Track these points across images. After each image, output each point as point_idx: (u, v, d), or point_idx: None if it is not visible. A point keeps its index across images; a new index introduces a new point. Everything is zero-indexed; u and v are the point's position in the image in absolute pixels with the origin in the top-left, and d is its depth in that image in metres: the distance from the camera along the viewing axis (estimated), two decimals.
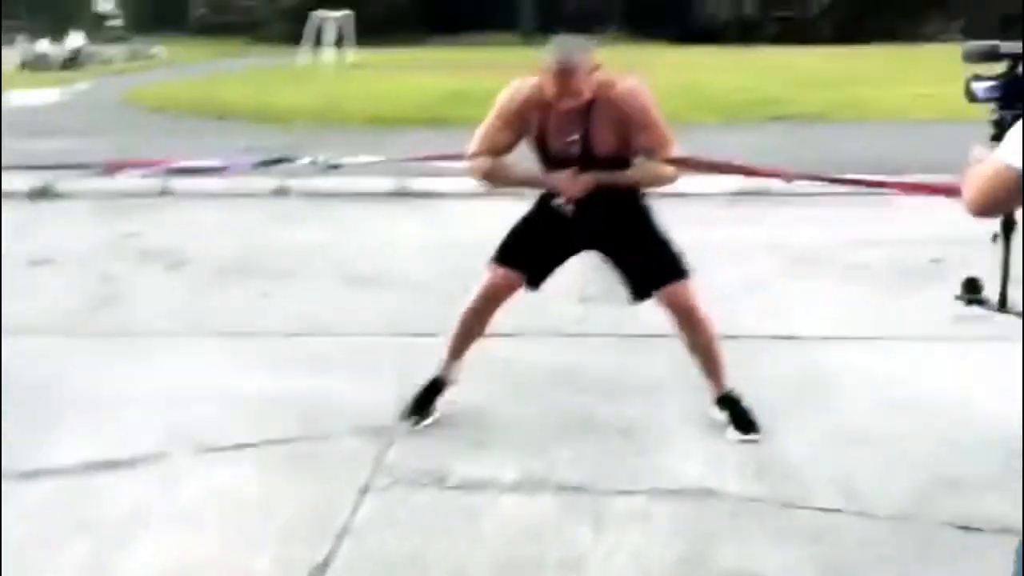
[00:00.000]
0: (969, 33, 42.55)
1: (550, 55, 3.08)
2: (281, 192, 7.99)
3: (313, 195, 7.99)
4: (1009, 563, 2.46)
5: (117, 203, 7.58)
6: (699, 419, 3.55)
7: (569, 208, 3.29)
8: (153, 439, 3.42)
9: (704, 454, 3.30)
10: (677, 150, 3.28)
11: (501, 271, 3.43)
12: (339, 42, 27.11)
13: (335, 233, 6.84)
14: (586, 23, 46.23)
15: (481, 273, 3.48)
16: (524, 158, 3.41)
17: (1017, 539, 2.49)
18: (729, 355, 4.20)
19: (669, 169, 3.28)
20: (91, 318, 4.89)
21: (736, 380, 3.86)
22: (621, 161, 3.29)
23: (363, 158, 4.05)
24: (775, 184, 7.66)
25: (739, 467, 3.20)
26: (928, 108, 12.63)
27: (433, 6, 47.41)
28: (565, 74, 3.04)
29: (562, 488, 3.08)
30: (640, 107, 3.20)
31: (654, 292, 3.40)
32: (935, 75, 17.46)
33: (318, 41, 27.18)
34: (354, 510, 2.95)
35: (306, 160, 3.76)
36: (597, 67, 3.14)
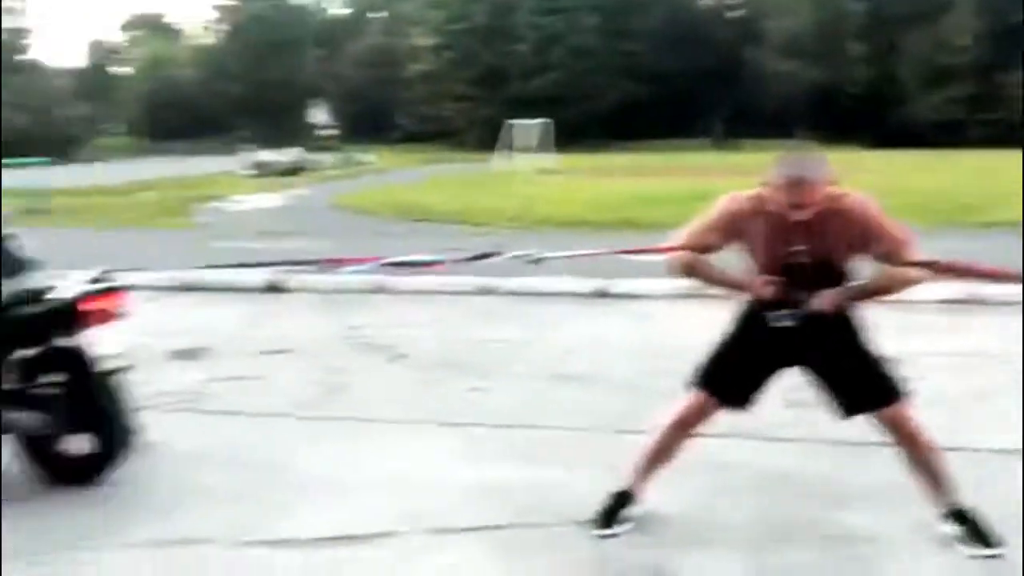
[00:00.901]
0: None
1: (783, 168, 3.13)
2: (485, 291, 8.35)
3: (515, 294, 8.31)
4: None
5: (339, 298, 8.16)
6: (924, 530, 3.44)
7: (787, 324, 3.26)
8: (385, 518, 3.64)
9: (936, 570, 3.19)
10: (918, 254, 3.24)
11: (699, 397, 3.45)
12: (534, 148, 28.18)
13: (538, 331, 7.07)
14: (779, 129, 45.99)
15: (685, 376, 3.52)
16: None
17: None
18: (956, 469, 4.07)
19: (914, 271, 3.23)
20: (323, 404, 5.27)
21: (965, 494, 3.74)
22: (843, 273, 3.28)
23: (566, 252, 4.23)
24: (990, 292, 7.38)
25: None
26: None
27: (626, 113, 48.55)
28: (798, 186, 3.09)
29: None
30: (873, 215, 3.19)
31: (868, 413, 3.35)
32: None
33: (512, 147, 28.36)
34: None
35: (514, 254, 3.98)
36: (833, 180, 3.17)
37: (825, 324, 3.29)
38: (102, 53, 74.21)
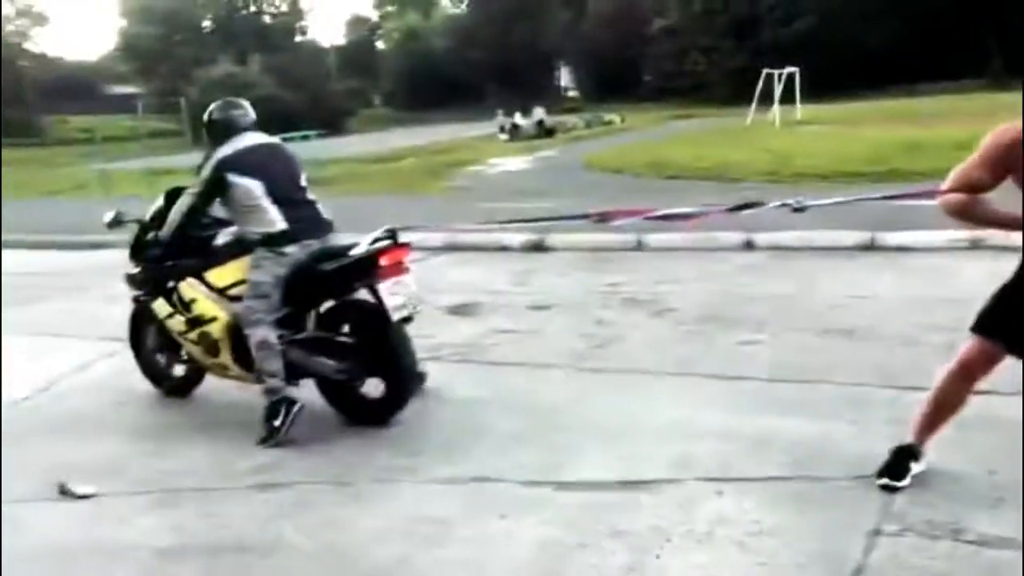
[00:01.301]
0: None
1: None
2: (748, 246, 8.21)
3: (778, 248, 8.11)
4: None
5: (600, 256, 8.33)
6: None
7: None
8: (665, 466, 3.74)
9: None
10: None
11: (980, 343, 3.28)
12: (785, 99, 27.08)
13: (803, 285, 6.88)
14: None
15: (963, 330, 3.34)
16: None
17: None
18: None
19: None
20: (594, 355, 5.44)
21: None
22: None
23: (829, 199, 4.08)
24: None
25: None
26: None
27: (889, 57, 45.44)
28: None
29: None
30: None
31: None
32: None
33: (765, 99, 27.39)
34: (866, 552, 3.00)
35: (777, 203, 3.88)
36: None
37: None
38: (361, 29, 78.67)
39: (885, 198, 4.26)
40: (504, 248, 9.03)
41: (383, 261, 4.36)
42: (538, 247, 8.94)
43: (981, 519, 3.15)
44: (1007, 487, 3.37)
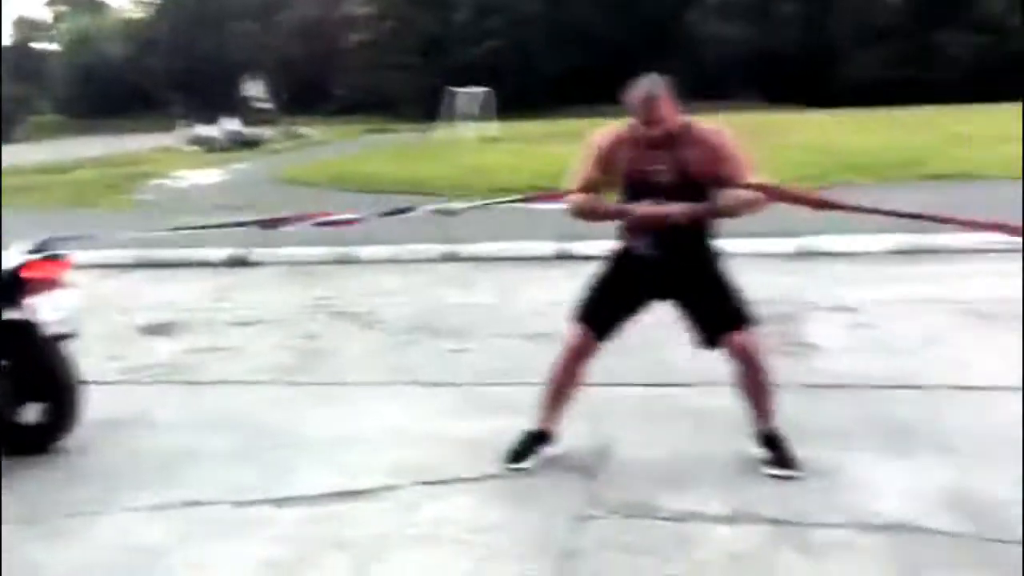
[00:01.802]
0: None
1: (634, 91, 3.43)
2: (449, 257, 8.47)
3: (480, 259, 8.45)
4: None
5: (304, 269, 8.23)
6: (892, 462, 3.69)
7: (652, 253, 3.55)
8: (383, 473, 3.79)
9: (900, 494, 3.44)
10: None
11: (580, 329, 3.72)
12: (476, 116, 28.12)
13: (506, 294, 7.23)
14: (717, 89, 46.34)
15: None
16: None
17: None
18: (913, 405, 4.35)
19: (755, 195, 3.51)
20: (305, 369, 5.37)
21: (923, 428, 4.02)
22: (702, 194, 3.52)
23: (478, 202, 4.51)
24: (941, 240, 7.72)
25: (936, 505, 3.33)
26: None
27: (569, 80, 48.43)
28: (649, 102, 3.40)
29: (767, 520, 3.27)
30: (724, 139, 3.52)
31: (721, 337, 3.61)
32: None
33: (454, 116, 28.27)
34: (574, 535, 3.22)
35: (429, 208, 4.25)
36: (677, 103, 3.45)
37: (685, 259, 3.59)
38: (27, 30, 71.96)
39: (520, 200, 4.77)
40: (205, 264, 8.67)
41: (32, 276, 4.03)
42: (242, 262, 8.68)
43: (670, 497, 3.49)
44: (689, 467, 3.76)
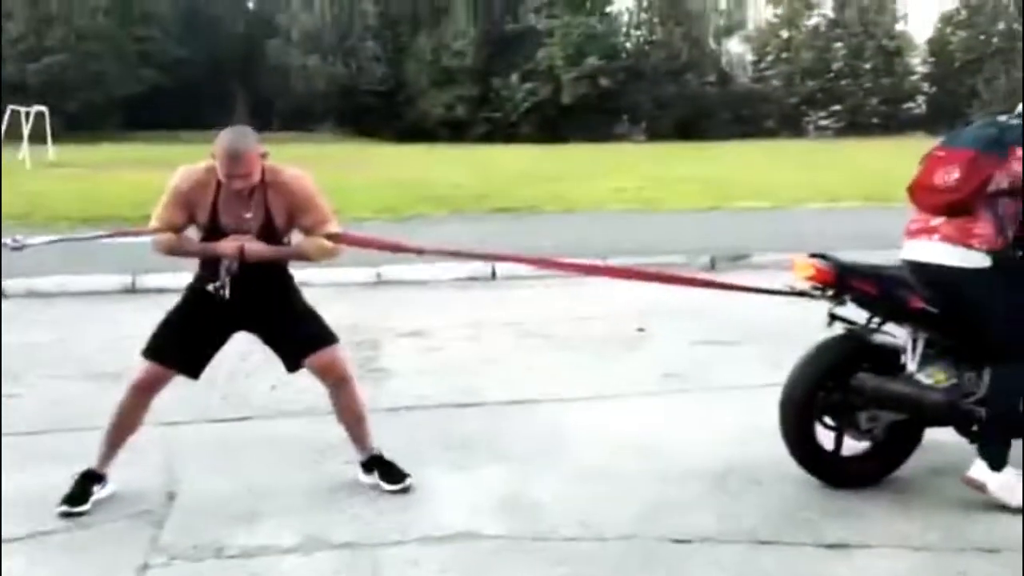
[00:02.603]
0: (651, 135, 47.46)
1: (221, 142, 3.45)
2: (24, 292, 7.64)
3: (34, 294, 7.72)
4: (710, 566, 3.08)
5: None
6: (456, 476, 3.95)
7: (225, 290, 3.59)
8: None
9: (464, 504, 3.68)
10: (338, 229, 3.73)
11: (148, 366, 3.68)
12: (35, 139, 25.58)
13: (65, 331, 6.66)
14: (300, 121, 46.66)
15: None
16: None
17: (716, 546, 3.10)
18: (476, 421, 4.70)
19: (331, 244, 3.69)
20: None
21: (484, 441, 4.36)
22: (283, 239, 3.67)
23: (49, 238, 4.17)
24: (502, 268, 8.43)
25: (494, 511, 3.61)
26: (621, 200, 14.18)
27: (142, 102, 45.81)
28: (235, 158, 3.40)
29: (339, 545, 3.33)
30: (307, 190, 3.63)
31: (306, 359, 3.75)
32: (627, 171, 19.55)
33: (13, 138, 25.52)
34: None
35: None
36: (265, 154, 3.54)
37: (260, 289, 3.66)
38: None
39: (106, 236, 4.56)
40: None
41: None
42: None
43: (240, 533, 3.42)
44: (262, 500, 3.72)
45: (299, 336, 3.72)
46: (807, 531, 3.42)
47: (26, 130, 25.09)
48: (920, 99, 55.94)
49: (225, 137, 3.45)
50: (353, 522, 3.52)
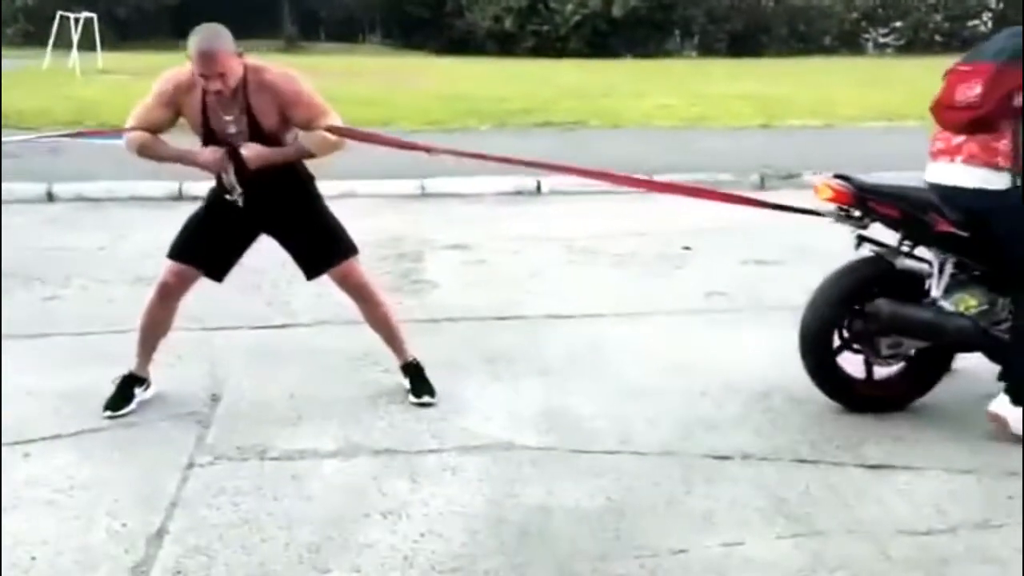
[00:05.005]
0: (704, 50, 46.30)
1: (190, 42, 3.32)
2: (49, 198, 7.71)
3: (82, 199, 7.79)
4: (750, 482, 3.03)
5: None
6: (496, 387, 3.95)
7: (240, 199, 3.54)
8: None
9: (502, 415, 3.69)
10: (339, 122, 3.54)
11: (174, 267, 3.66)
12: (85, 45, 25.62)
13: (111, 237, 6.73)
14: (348, 32, 46.22)
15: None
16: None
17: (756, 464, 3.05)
18: (517, 334, 4.68)
19: (332, 136, 3.52)
20: None
21: (524, 354, 4.34)
22: (276, 141, 3.53)
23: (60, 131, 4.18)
24: (548, 182, 8.33)
25: (533, 422, 3.61)
26: (669, 117, 13.87)
27: (185, 11, 45.57)
28: (206, 57, 3.27)
29: (378, 451, 3.36)
30: (293, 86, 3.46)
31: (326, 270, 3.73)
32: (677, 87, 19.11)
33: (62, 43, 25.59)
34: (180, 485, 3.10)
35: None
36: (240, 53, 3.40)
37: (276, 194, 3.59)
38: None
39: (82, 134, 4.55)
40: None
41: None
42: None
43: (282, 436, 3.47)
44: (303, 406, 3.76)
45: (320, 246, 3.69)
46: (849, 452, 3.37)
47: (75, 37, 25.06)
48: (986, 16, 53.69)
49: (195, 37, 3.32)
50: (392, 429, 3.55)
